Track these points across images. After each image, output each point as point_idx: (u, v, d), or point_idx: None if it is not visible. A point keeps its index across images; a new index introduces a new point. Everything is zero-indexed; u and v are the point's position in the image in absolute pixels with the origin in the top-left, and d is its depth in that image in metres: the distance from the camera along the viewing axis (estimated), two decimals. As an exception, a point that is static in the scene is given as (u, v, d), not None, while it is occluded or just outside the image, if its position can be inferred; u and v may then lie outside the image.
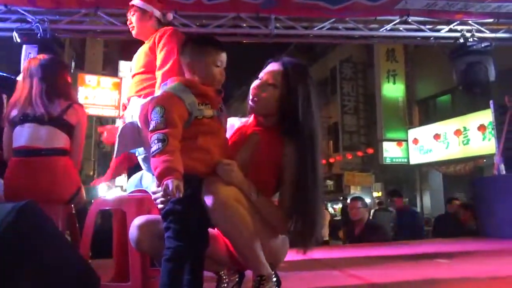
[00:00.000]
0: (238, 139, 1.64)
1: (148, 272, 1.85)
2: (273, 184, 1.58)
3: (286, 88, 1.58)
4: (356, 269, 2.46)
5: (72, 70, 12.62)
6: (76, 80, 11.73)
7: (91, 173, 16.00)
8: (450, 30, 4.90)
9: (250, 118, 1.69)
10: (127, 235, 1.58)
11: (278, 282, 1.59)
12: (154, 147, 1.34)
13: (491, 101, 4.83)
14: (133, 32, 2.33)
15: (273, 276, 1.53)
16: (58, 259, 1.50)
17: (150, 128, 1.38)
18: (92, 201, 2.35)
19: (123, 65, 15.45)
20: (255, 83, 1.61)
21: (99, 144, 16.08)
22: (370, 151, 13.63)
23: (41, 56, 2.51)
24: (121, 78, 12.15)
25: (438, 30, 4.92)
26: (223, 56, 1.51)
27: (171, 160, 1.31)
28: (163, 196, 1.31)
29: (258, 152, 1.57)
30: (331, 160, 16.03)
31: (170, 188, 1.27)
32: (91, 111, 11.51)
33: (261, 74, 1.63)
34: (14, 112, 2.30)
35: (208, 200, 1.36)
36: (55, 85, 2.34)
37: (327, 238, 6.99)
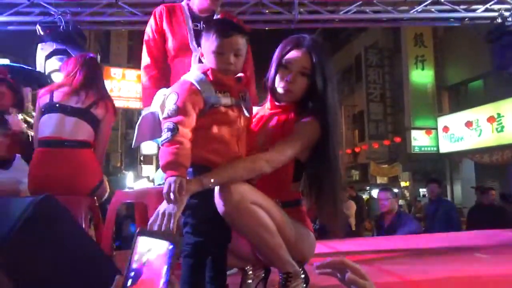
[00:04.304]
0: (256, 125, 1.59)
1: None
2: (292, 165, 1.51)
3: (314, 74, 1.52)
4: (388, 263, 2.34)
5: (97, 64, 12.88)
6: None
7: (118, 164, 16.37)
8: (487, 10, 4.59)
9: (267, 103, 1.63)
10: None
11: (307, 279, 1.50)
12: (164, 136, 1.30)
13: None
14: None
15: (301, 272, 1.45)
16: (77, 253, 1.46)
17: (163, 116, 1.35)
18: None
19: (147, 57, 15.57)
20: (287, 73, 1.53)
21: (125, 136, 16.40)
22: (398, 139, 13.25)
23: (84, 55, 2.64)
24: (145, 71, 12.23)
25: (473, 10, 4.62)
26: (226, 42, 1.38)
27: (177, 153, 1.26)
28: (167, 194, 1.24)
29: (277, 134, 1.52)
30: (357, 150, 15.74)
31: (173, 189, 1.22)
32: (116, 103, 11.63)
33: (288, 63, 1.54)
34: (45, 99, 2.32)
35: (220, 205, 1.29)
36: (91, 77, 2.37)
37: (354, 229, 6.85)
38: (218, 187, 1.31)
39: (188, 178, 1.32)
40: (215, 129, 1.36)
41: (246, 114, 1.45)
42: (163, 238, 0.66)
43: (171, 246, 0.66)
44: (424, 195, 11.78)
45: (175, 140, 1.28)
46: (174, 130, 1.29)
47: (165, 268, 0.65)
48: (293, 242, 1.45)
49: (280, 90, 1.54)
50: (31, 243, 1.35)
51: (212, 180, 1.30)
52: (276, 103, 1.59)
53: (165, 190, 1.25)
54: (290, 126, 1.52)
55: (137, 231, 0.66)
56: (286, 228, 1.44)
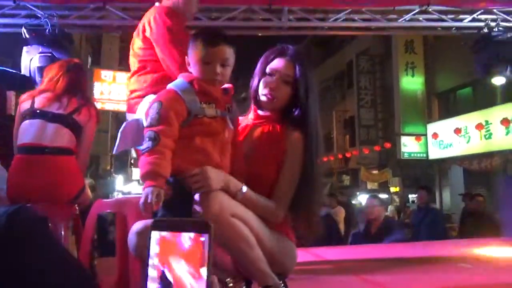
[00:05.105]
0: (239, 135, 1.57)
1: (150, 277, 1.77)
2: (274, 175, 1.50)
3: (297, 83, 1.53)
4: (373, 273, 2.34)
5: (89, 66, 12.79)
6: (92, 75, 11.85)
7: (108, 167, 16.24)
8: (474, 20, 4.64)
9: (250, 113, 1.63)
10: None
11: (287, 293, 1.49)
12: (145, 145, 1.29)
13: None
14: None
15: (282, 285, 1.44)
16: (52, 266, 1.42)
17: (146, 124, 1.34)
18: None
19: (139, 60, 15.51)
20: (270, 81, 1.54)
21: (115, 139, 16.27)
22: (388, 145, 13.33)
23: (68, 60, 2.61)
24: (136, 73, 12.18)
25: (461, 20, 4.67)
26: (213, 51, 1.38)
27: (157, 163, 1.25)
28: (143, 204, 1.23)
29: (261, 144, 1.52)
30: (348, 155, 15.79)
31: (149, 200, 1.21)
32: (107, 106, 11.63)
33: (271, 70, 1.55)
34: (27, 105, 2.29)
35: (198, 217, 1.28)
36: (74, 83, 2.34)
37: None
38: (199, 198, 1.29)
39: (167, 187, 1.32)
40: (197, 140, 1.35)
41: (231, 126, 1.44)
42: (191, 229, 0.48)
43: (203, 238, 0.50)
44: (413, 201, 11.85)
45: (156, 150, 1.27)
46: (155, 139, 1.28)
47: (202, 268, 0.47)
48: (273, 255, 1.43)
49: (263, 98, 1.54)
50: (3, 255, 1.31)
51: (244, 191, 1.38)
52: (260, 113, 1.59)
53: (141, 201, 1.24)
54: (274, 138, 1.52)
55: (151, 224, 0.50)
56: (266, 240, 1.42)
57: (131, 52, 2.12)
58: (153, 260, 0.50)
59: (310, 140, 1.51)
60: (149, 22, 2.00)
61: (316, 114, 1.55)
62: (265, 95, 1.53)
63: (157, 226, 0.51)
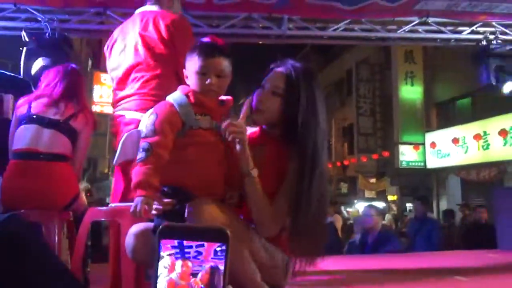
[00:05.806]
0: None
1: (142, 286, 1.76)
2: (274, 191, 1.46)
3: (289, 96, 1.47)
4: (366, 285, 2.32)
5: (89, 69, 12.78)
6: (92, 78, 11.85)
7: (106, 170, 16.17)
8: (472, 32, 4.67)
9: (257, 129, 1.59)
10: (121, 246, 1.51)
11: (280, 306, 1.48)
12: (139, 155, 1.30)
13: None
14: None
15: (274, 299, 1.43)
16: (44, 274, 1.41)
17: (142, 135, 1.36)
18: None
19: (139, 64, 15.50)
20: (260, 93, 1.51)
21: (113, 142, 16.20)
22: (386, 154, 13.35)
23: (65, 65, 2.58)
24: (136, 77, 12.17)
25: (460, 32, 4.70)
26: (209, 63, 1.38)
27: (149, 174, 1.26)
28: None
29: (265, 166, 1.46)
30: (346, 163, 15.81)
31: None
32: (106, 109, 11.62)
33: (264, 82, 1.52)
34: (23, 110, 2.28)
35: None
36: (72, 89, 2.34)
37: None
38: (191, 209, 1.28)
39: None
40: (192, 151, 1.36)
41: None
42: (205, 238, 0.42)
43: (220, 248, 0.44)
44: (410, 210, 11.84)
45: (149, 160, 1.28)
46: (148, 150, 1.29)
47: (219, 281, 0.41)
48: (267, 267, 1.42)
49: (253, 107, 1.51)
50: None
51: (255, 174, 1.38)
52: (265, 129, 1.55)
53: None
54: (282, 161, 1.47)
55: (159, 230, 0.44)
56: (259, 252, 1.41)
57: (143, 51, 2.00)
58: (161, 272, 0.45)
59: (305, 162, 1.43)
60: (176, 30, 1.95)
61: (315, 136, 1.45)
62: (253, 106, 1.50)
63: (165, 234, 0.45)
